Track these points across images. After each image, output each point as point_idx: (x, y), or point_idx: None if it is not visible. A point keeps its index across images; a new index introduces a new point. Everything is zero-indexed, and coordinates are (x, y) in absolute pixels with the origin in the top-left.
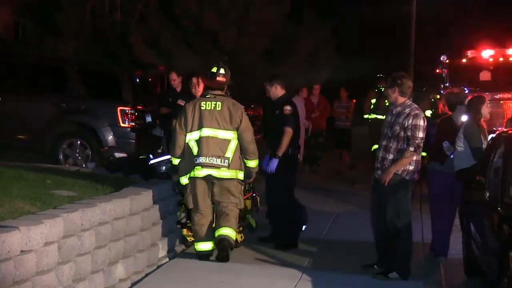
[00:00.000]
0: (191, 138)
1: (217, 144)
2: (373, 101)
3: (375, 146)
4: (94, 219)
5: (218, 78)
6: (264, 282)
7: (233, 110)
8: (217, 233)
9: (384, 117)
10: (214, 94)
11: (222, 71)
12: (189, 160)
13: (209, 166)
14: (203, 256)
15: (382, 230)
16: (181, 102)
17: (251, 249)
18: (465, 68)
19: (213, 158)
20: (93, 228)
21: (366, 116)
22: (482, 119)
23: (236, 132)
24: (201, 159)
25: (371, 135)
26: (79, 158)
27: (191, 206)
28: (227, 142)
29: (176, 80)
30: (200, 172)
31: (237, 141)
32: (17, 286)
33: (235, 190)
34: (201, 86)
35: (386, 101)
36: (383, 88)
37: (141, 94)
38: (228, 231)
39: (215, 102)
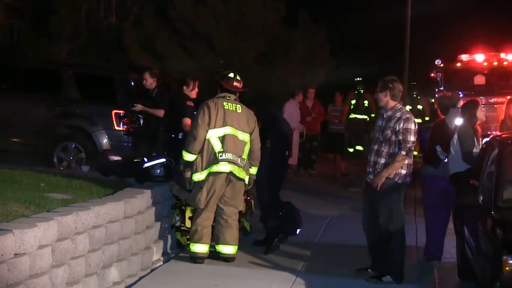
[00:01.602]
0: (214, 134)
1: (238, 144)
2: (353, 102)
3: (351, 150)
4: (88, 222)
5: (235, 84)
6: (258, 285)
7: (249, 116)
8: (223, 248)
9: (363, 116)
10: (232, 98)
11: (238, 77)
12: (209, 156)
13: (233, 163)
14: (198, 258)
15: (375, 234)
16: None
17: (245, 252)
18: (460, 72)
19: (235, 156)
20: (87, 231)
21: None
22: (478, 122)
23: (250, 137)
24: (228, 155)
25: (352, 133)
26: (73, 161)
27: (202, 205)
28: (244, 144)
29: (148, 81)
30: (225, 168)
31: (249, 145)
32: None
33: (242, 193)
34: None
35: (365, 101)
36: (362, 90)
37: (136, 97)
38: (235, 249)
39: (235, 105)
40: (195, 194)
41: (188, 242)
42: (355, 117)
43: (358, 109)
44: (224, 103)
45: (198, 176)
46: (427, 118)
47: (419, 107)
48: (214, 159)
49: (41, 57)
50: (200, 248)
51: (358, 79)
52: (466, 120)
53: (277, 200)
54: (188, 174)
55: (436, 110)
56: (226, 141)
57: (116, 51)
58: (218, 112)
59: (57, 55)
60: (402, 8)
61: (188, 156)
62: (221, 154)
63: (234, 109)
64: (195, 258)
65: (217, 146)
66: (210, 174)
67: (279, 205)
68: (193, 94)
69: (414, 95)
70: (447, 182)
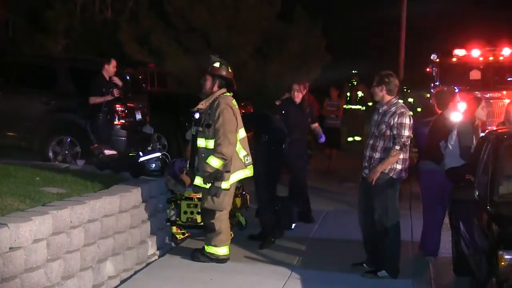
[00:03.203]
0: (238, 137)
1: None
2: (348, 93)
3: (350, 139)
4: (83, 216)
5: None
6: (253, 280)
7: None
8: None
9: (357, 107)
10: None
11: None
12: (235, 161)
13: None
14: (225, 260)
15: (370, 229)
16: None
17: (240, 247)
18: (456, 67)
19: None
20: (82, 225)
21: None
22: (478, 122)
23: None
24: (250, 159)
25: (349, 123)
26: (68, 156)
27: (228, 207)
28: None
29: (114, 68)
30: (250, 172)
31: None
32: (5, 283)
33: None
34: None
35: (358, 93)
36: (355, 82)
37: (131, 91)
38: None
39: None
40: (221, 197)
41: (183, 236)
42: (350, 108)
43: (352, 100)
44: (233, 101)
45: (227, 184)
46: (418, 109)
47: (410, 100)
48: (241, 164)
49: (37, 52)
50: (225, 250)
51: (353, 71)
52: (467, 117)
53: (273, 195)
54: (220, 183)
55: (433, 105)
56: (244, 144)
57: (112, 45)
58: (236, 112)
59: (53, 49)
60: (398, 4)
61: (217, 163)
62: (246, 158)
63: (237, 107)
64: (222, 261)
65: (241, 151)
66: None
67: (275, 199)
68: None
69: (405, 89)
70: (444, 177)
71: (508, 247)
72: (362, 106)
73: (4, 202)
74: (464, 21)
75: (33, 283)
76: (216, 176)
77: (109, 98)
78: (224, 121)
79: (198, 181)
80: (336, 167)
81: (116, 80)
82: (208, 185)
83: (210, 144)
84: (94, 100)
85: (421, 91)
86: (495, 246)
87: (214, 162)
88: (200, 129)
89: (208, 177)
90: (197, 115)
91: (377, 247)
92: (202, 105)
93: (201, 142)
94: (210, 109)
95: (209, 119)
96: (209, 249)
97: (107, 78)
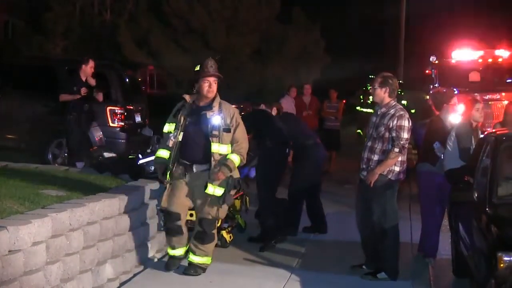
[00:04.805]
0: None
1: None
2: (361, 97)
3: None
4: (82, 219)
5: None
6: (253, 282)
7: None
8: None
9: (367, 110)
10: None
11: None
12: None
13: None
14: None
15: (369, 230)
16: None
17: (240, 249)
18: (454, 69)
19: None
20: (81, 228)
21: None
22: (476, 123)
23: None
24: None
25: (360, 124)
26: (68, 158)
27: None
28: None
29: (92, 69)
30: None
31: None
32: (4, 286)
33: None
34: None
35: (370, 97)
36: (369, 87)
37: (130, 93)
38: None
39: None
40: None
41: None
42: (362, 111)
43: (364, 103)
44: None
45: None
46: (413, 111)
47: (404, 102)
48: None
49: (36, 54)
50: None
51: (371, 76)
52: (464, 118)
53: (273, 197)
54: (234, 191)
55: (431, 106)
56: None
57: (111, 47)
58: None
59: (52, 51)
60: (397, 5)
61: (238, 160)
62: None
63: None
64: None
65: None
66: None
67: (276, 202)
68: None
69: (399, 92)
70: (442, 178)
71: (507, 249)
72: (373, 110)
73: (3, 205)
74: (463, 22)
75: (33, 286)
76: (238, 183)
77: (77, 96)
78: (243, 125)
79: (220, 191)
80: (334, 169)
81: (91, 81)
82: (220, 193)
83: (222, 149)
84: (63, 97)
85: (416, 93)
86: (494, 247)
87: (236, 158)
88: (216, 133)
89: (230, 184)
90: (217, 119)
91: (376, 248)
92: (215, 108)
93: (214, 147)
94: (221, 112)
95: (225, 124)
96: (209, 260)
97: (83, 79)
